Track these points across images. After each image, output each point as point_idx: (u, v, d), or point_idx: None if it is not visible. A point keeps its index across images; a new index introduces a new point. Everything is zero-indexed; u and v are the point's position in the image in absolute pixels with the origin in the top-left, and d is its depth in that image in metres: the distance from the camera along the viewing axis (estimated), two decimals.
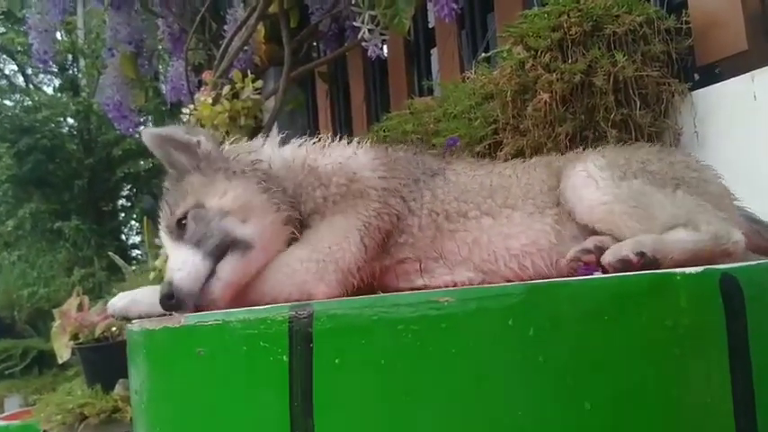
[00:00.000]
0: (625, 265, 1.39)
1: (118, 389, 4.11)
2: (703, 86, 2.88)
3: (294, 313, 1.21)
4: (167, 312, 1.49)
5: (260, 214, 1.57)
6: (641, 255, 1.40)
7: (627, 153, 1.69)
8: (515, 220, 1.65)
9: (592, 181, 1.58)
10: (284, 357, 1.20)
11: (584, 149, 2.46)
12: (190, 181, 1.61)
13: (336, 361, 1.18)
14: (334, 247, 1.56)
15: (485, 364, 1.13)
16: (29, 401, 6.59)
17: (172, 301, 1.48)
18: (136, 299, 1.62)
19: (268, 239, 1.56)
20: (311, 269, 1.53)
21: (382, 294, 1.23)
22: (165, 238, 1.62)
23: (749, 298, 1.20)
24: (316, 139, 1.77)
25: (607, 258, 1.43)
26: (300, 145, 1.76)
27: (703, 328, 1.18)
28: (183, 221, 1.57)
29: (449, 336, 1.14)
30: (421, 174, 1.72)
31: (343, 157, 1.70)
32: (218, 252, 1.53)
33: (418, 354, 1.15)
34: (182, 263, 1.51)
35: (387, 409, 1.16)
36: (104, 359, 4.55)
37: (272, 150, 1.72)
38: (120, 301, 1.63)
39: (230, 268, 1.52)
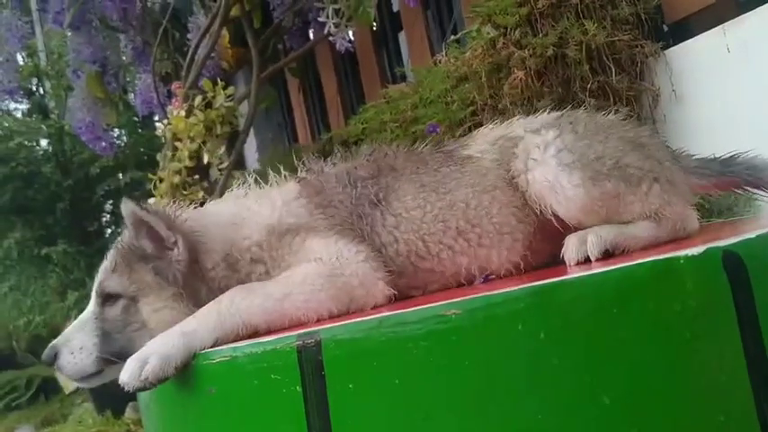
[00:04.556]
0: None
1: (128, 412, 4.10)
2: (675, 44, 2.88)
3: (301, 342, 1.20)
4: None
5: None
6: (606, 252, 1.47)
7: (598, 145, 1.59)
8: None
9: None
10: (297, 388, 1.19)
11: None
12: (144, 271, 1.53)
13: (350, 386, 1.17)
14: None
15: (499, 373, 1.13)
16: (40, 431, 6.56)
17: (50, 366, 1.51)
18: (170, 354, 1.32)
19: None
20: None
21: (386, 313, 1.21)
22: (94, 289, 1.57)
23: (753, 271, 1.20)
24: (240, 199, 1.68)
25: (571, 256, 1.49)
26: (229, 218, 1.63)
27: (712, 308, 1.18)
28: (113, 299, 1.52)
29: (459, 348, 1.13)
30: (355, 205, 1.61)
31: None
32: (115, 358, 1.46)
33: (431, 370, 1.14)
34: (79, 346, 1.49)
35: (406, 427, 1.15)
36: (112, 384, 4.52)
37: (212, 257, 1.57)
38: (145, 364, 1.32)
39: (115, 374, 1.38)
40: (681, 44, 2.86)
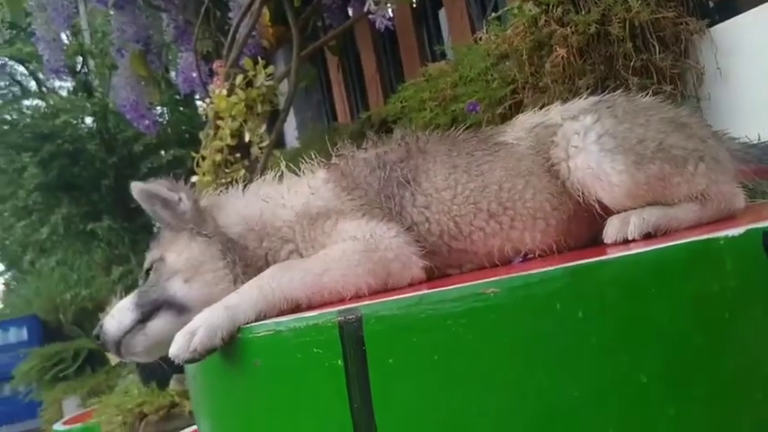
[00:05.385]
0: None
1: (173, 384, 4.20)
2: (721, 21, 2.82)
3: (343, 318, 1.23)
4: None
5: (210, 280, 1.56)
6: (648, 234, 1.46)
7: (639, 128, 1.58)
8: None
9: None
10: (339, 362, 1.23)
11: None
12: (164, 234, 1.66)
13: (390, 361, 1.20)
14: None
15: (537, 351, 1.15)
16: (86, 402, 6.75)
17: (98, 341, 1.56)
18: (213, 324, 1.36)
19: (207, 303, 1.46)
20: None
21: (426, 291, 1.24)
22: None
23: None
24: (274, 183, 1.73)
25: (611, 237, 1.49)
26: (260, 196, 1.71)
27: (751, 288, 1.18)
28: (149, 271, 1.63)
29: (498, 326, 1.15)
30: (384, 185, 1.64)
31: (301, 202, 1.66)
32: (151, 307, 1.55)
33: (470, 346, 1.16)
34: (117, 309, 1.58)
35: (445, 402, 1.18)
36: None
37: (236, 214, 1.68)
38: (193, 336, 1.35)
39: (159, 327, 1.54)
40: (726, 21, 2.81)
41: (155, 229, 1.76)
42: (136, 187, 1.66)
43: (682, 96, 2.76)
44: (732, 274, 1.16)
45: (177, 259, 1.59)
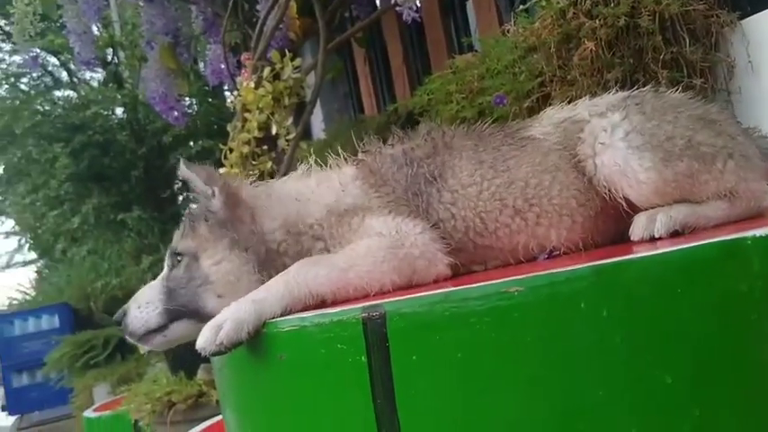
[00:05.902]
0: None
1: (200, 374, 4.25)
2: (753, 14, 2.78)
3: (367, 314, 1.24)
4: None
5: (242, 294, 1.50)
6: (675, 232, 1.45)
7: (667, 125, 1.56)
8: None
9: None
10: (362, 358, 1.24)
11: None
12: (202, 229, 1.63)
13: (414, 358, 1.21)
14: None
15: (561, 350, 1.14)
16: (116, 389, 6.85)
17: (120, 326, 1.61)
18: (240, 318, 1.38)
19: None
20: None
21: (450, 288, 1.24)
22: (166, 256, 1.68)
23: None
24: (305, 180, 1.73)
25: (638, 234, 1.49)
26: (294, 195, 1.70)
27: None
28: (179, 258, 1.62)
29: (522, 325, 1.15)
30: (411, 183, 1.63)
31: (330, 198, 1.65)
32: (178, 313, 1.58)
33: (493, 345, 1.17)
34: (146, 303, 1.59)
35: (468, 400, 1.18)
36: (185, 346, 4.68)
37: (272, 221, 1.65)
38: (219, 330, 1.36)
39: (180, 331, 1.58)
40: (759, 14, 2.76)
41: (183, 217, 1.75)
42: (182, 165, 1.66)
43: (712, 90, 2.72)
44: (760, 275, 1.15)
45: (214, 269, 1.59)
